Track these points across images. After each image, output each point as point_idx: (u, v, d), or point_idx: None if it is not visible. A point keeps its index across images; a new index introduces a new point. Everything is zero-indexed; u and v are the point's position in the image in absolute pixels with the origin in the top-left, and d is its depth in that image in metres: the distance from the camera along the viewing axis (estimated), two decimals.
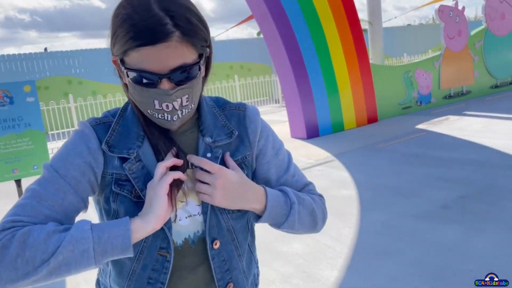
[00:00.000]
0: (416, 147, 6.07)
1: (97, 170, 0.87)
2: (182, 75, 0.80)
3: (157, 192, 0.82)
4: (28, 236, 0.75)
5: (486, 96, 10.56)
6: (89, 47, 14.77)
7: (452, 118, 8.10)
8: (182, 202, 0.89)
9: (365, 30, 10.48)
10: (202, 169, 0.87)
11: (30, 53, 13.32)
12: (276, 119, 10.30)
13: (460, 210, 3.66)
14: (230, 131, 0.95)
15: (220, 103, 0.99)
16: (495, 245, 2.97)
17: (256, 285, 1.06)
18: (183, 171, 0.87)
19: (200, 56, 0.83)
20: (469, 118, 7.91)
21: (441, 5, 9.57)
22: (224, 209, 0.91)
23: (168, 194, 0.83)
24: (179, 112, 0.84)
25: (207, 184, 0.86)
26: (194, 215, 0.91)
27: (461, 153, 5.49)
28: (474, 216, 3.50)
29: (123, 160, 0.88)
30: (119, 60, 0.81)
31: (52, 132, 10.99)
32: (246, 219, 0.97)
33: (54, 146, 9.34)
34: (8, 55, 13.06)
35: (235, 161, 0.93)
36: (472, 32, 10.32)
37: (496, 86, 10.97)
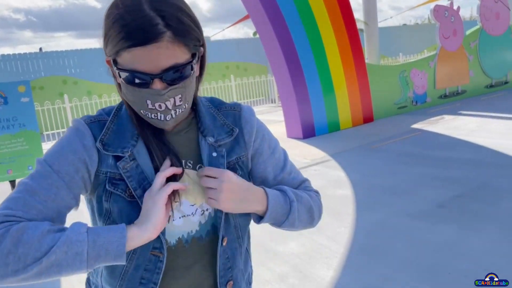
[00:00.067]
0: (411, 147, 6.09)
1: (91, 168, 0.86)
2: (175, 75, 0.80)
3: (156, 202, 0.82)
4: (22, 232, 0.74)
5: (481, 95, 10.61)
6: (85, 47, 14.70)
7: (447, 117, 8.14)
8: (176, 202, 0.89)
9: (361, 30, 10.51)
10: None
11: (25, 53, 13.26)
12: (272, 119, 10.30)
13: (455, 209, 3.68)
14: (230, 129, 0.96)
15: (216, 103, 1.00)
16: (490, 244, 2.98)
17: (250, 283, 1.06)
18: (179, 178, 0.88)
19: (193, 55, 0.82)
20: (464, 118, 7.94)
21: (436, 5, 9.61)
22: None
23: (165, 204, 0.84)
24: (172, 112, 0.83)
25: (214, 189, 0.87)
26: (188, 215, 0.90)
27: (456, 153, 5.51)
28: (469, 215, 3.51)
29: (117, 159, 0.87)
30: (112, 61, 0.81)
31: (47, 132, 10.95)
32: (249, 216, 0.99)
33: (49, 147, 9.28)
34: (3, 55, 13.00)
35: (229, 161, 0.94)
36: (467, 32, 10.37)
37: (491, 86, 11.03)
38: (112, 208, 0.87)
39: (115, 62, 0.80)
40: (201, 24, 0.86)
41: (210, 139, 0.93)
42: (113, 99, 11.31)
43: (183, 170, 0.88)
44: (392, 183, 4.56)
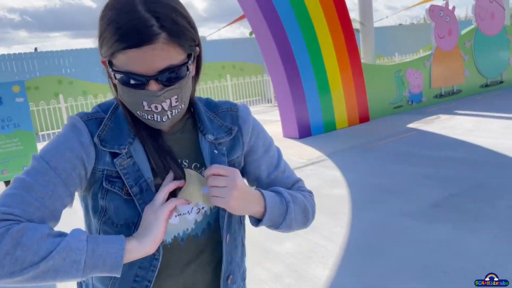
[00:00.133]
0: (407, 146, 6.11)
1: (88, 165, 0.86)
2: (170, 76, 0.80)
3: (158, 217, 0.82)
4: (22, 234, 0.72)
5: (477, 95, 10.65)
6: (80, 47, 14.65)
7: (443, 117, 8.16)
8: (175, 216, 0.90)
9: (357, 30, 10.53)
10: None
11: (20, 53, 13.19)
12: (269, 118, 10.30)
13: (450, 208, 3.69)
14: (228, 128, 0.96)
15: (211, 106, 0.99)
16: (485, 243, 3.00)
17: (244, 279, 1.07)
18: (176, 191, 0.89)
19: (189, 56, 0.82)
20: (460, 117, 7.98)
21: (432, 5, 9.64)
22: None
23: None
24: (168, 113, 0.83)
25: (221, 187, 0.85)
26: (183, 213, 0.91)
27: (452, 152, 5.53)
28: (465, 214, 3.53)
29: (114, 156, 0.87)
30: (107, 62, 0.81)
31: (43, 132, 10.90)
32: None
33: None
34: None
35: (231, 160, 0.95)
36: (462, 32, 10.41)
37: (486, 85, 11.08)
38: (108, 206, 0.87)
39: (110, 63, 0.80)
40: (197, 23, 0.86)
41: (210, 137, 0.93)
42: (108, 99, 11.27)
43: (181, 175, 0.88)
44: (388, 182, 4.57)
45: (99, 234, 0.90)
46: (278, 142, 7.30)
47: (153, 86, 0.79)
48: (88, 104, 11.51)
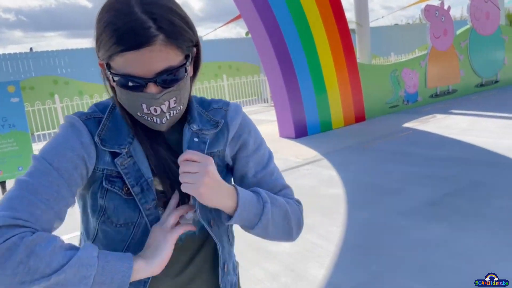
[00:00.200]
0: (403, 146, 6.13)
1: (90, 165, 0.86)
2: (168, 78, 0.80)
3: (168, 240, 0.83)
4: (35, 244, 0.72)
5: (472, 94, 10.70)
6: (76, 46, 14.59)
7: (438, 116, 8.20)
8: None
9: (353, 31, 10.55)
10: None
11: (15, 53, 13.11)
12: (265, 118, 10.31)
13: (446, 207, 3.71)
14: (215, 122, 0.95)
15: (205, 105, 0.99)
16: (480, 241, 3.01)
17: (236, 274, 1.06)
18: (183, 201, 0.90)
19: (187, 57, 0.82)
20: (455, 117, 8.01)
21: (427, 5, 9.67)
22: None
23: None
24: (167, 115, 0.83)
25: (193, 173, 0.82)
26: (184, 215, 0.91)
27: (447, 151, 5.56)
28: (460, 213, 3.55)
29: (114, 155, 0.87)
30: (105, 64, 0.81)
31: (38, 133, 10.86)
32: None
33: (39, 147, 9.19)
34: None
35: (210, 152, 0.93)
36: (458, 32, 10.45)
37: (482, 85, 11.13)
38: (107, 205, 0.87)
39: (108, 66, 0.80)
40: (193, 23, 0.86)
41: (195, 127, 0.92)
42: (104, 99, 11.23)
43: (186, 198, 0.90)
44: (384, 181, 4.59)
45: (97, 233, 0.90)
46: (274, 142, 7.32)
47: (152, 88, 0.79)
48: (84, 104, 11.47)
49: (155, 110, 0.81)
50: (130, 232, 0.88)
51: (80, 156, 0.84)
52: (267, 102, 13.56)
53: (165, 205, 0.89)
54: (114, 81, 0.80)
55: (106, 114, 0.90)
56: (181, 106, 0.86)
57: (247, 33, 16.54)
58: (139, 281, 0.88)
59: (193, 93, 0.97)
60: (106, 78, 0.87)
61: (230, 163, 0.99)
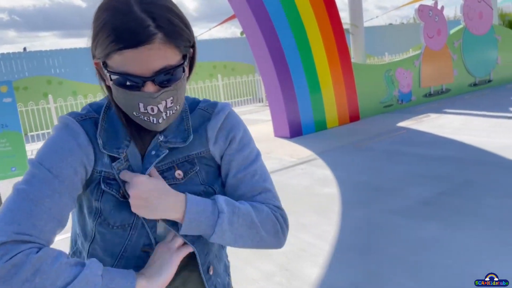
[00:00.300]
0: (397, 145, 6.15)
1: (89, 168, 0.85)
2: (166, 77, 0.79)
3: (173, 261, 0.85)
4: (42, 261, 0.72)
5: (465, 94, 10.76)
6: (70, 46, 14.51)
7: (432, 116, 8.24)
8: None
9: (347, 30, 10.57)
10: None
11: (8, 53, 13.02)
12: (260, 118, 10.31)
13: (439, 206, 3.72)
14: (187, 135, 0.92)
15: (194, 105, 0.97)
16: (473, 240, 3.03)
17: (229, 274, 1.06)
18: None
19: (184, 57, 0.82)
20: (449, 116, 8.05)
21: (421, 5, 9.71)
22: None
23: None
24: (163, 114, 0.83)
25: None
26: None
27: (441, 150, 5.59)
28: (453, 212, 3.57)
29: (112, 158, 0.87)
30: (101, 63, 0.80)
31: (32, 133, 10.80)
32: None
33: (33, 148, 9.17)
34: None
35: (188, 156, 0.92)
36: (451, 31, 10.50)
37: (475, 84, 11.19)
38: (103, 207, 0.86)
39: (105, 64, 0.79)
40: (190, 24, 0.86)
41: (161, 137, 0.90)
42: (98, 99, 11.17)
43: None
44: (378, 181, 4.61)
45: (94, 234, 0.89)
46: (269, 141, 7.33)
47: (150, 87, 0.79)
48: (78, 104, 11.41)
49: (152, 110, 0.81)
50: (127, 234, 0.87)
51: (79, 159, 0.83)
52: (262, 101, 13.56)
53: None
54: (111, 79, 0.80)
55: (101, 115, 0.89)
56: (178, 106, 0.85)
57: (242, 33, 16.53)
58: None
59: (188, 93, 0.96)
60: (102, 77, 0.86)
61: (220, 163, 0.98)
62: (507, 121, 7.02)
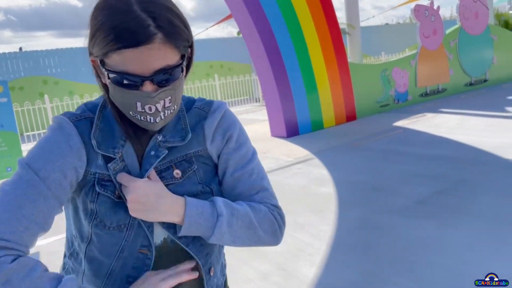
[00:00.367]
0: (393, 144, 6.17)
1: (81, 170, 0.84)
2: (165, 77, 0.79)
3: None
4: (13, 273, 0.71)
5: (461, 93, 10.80)
6: (66, 46, 14.42)
7: (428, 115, 8.26)
8: None
9: (343, 30, 10.58)
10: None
11: (3, 53, 12.96)
12: (257, 118, 10.31)
13: (436, 205, 3.74)
14: (185, 134, 0.92)
15: (189, 104, 0.97)
16: (469, 238, 3.04)
17: (224, 275, 1.06)
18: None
19: (183, 57, 0.82)
20: (445, 115, 8.08)
21: (417, 5, 9.74)
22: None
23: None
24: (161, 114, 0.83)
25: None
26: None
27: (437, 150, 5.60)
28: (449, 210, 3.58)
29: (107, 159, 0.86)
30: (98, 61, 0.79)
31: (28, 133, 10.75)
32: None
33: (29, 148, 9.09)
34: None
35: (186, 154, 0.92)
36: (447, 31, 10.54)
37: (471, 84, 11.24)
38: (98, 209, 0.85)
39: (102, 62, 0.79)
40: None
41: (160, 137, 0.90)
42: (95, 99, 11.15)
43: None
44: (375, 180, 4.62)
45: (90, 236, 0.88)
46: (266, 141, 7.33)
47: (148, 87, 0.79)
48: (74, 104, 11.37)
49: (150, 109, 0.80)
50: (123, 235, 0.87)
51: (69, 162, 0.83)
52: (259, 101, 13.55)
53: None
54: (109, 78, 0.79)
55: (96, 114, 0.89)
56: (176, 106, 0.85)
57: (238, 33, 16.52)
58: (135, 279, 0.88)
59: (184, 93, 0.96)
60: (98, 74, 0.86)
61: (217, 162, 0.97)
62: (503, 121, 7.06)
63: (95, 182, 0.85)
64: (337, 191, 4.38)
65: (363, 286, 2.61)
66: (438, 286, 2.51)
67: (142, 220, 0.87)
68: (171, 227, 0.89)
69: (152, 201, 0.83)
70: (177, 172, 0.90)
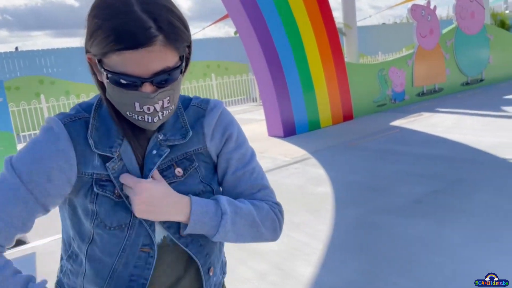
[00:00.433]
0: (390, 144, 6.18)
1: (70, 172, 0.84)
2: (164, 78, 0.79)
3: None
4: None
5: (458, 93, 10.83)
6: (62, 46, 14.37)
7: (425, 114, 8.28)
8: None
9: (340, 30, 10.59)
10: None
11: None
12: (254, 117, 10.31)
13: (432, 204, 3.75)
14: (186, 131, 0.92)
15: (186, 103, 0.97)
16: (465, 237, 3.05)
17: (224, 273, 1.06)
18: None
19: (181, 58, 0.81)
20: (441, 115, 8.10)
21: (414, 4, 9.76)
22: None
23: None
24: (159, 114, 0.82)
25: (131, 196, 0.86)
26: None
27: (433, 149, 5.62)
28: (445, 210, 3.59)
29: (104, 159, 0.86)
30: (96, 60, 0.79)
31: (24, 133, 10.71)
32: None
33: None
34: None
35: (187, 152, 0.92)
36: (444, 31, 10.57)
37: (467, 83, 11.27)
38: (98, 210, 0.85)
39: (100, 61, 0.78)
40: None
41: (160, 136, 0.90)
42: (89, 99, 11.12)
43: None
44: (371, 180, 4.62)
45: (92, 237, 0.88)
46: (263, 140, 7.33)
47: (147, 88, 0.78)
48: (71, 104, 11.34)
49: (148, 109, 0.80)
50: (124, 234, 0.87)
51: (55, 165, 0.82)
52: (256, 101, 13.55)
53: None
54: (107, 78, 0.79)
55: (92, 114, 0.88)
56: (173, 106, 0.85)
57: (235, 32, 16.52)
58: (138, 279, 0.89)
59: (181, 93, 0.96)
60: (93, 72, 0.85)
61: (216, 160, 0.98)
62: (499, 120, 7.08)
63: (93, 183, 0.85)
64: (334, 191, 4.38)
65: (360, 286, 2.62)
66: (436, 285, 2.52)
67: (144, 219, 0.87)
68: (171, 227, 0.89)
69: (158, 201, 0.84)
70: (178, 171, 0.90)
